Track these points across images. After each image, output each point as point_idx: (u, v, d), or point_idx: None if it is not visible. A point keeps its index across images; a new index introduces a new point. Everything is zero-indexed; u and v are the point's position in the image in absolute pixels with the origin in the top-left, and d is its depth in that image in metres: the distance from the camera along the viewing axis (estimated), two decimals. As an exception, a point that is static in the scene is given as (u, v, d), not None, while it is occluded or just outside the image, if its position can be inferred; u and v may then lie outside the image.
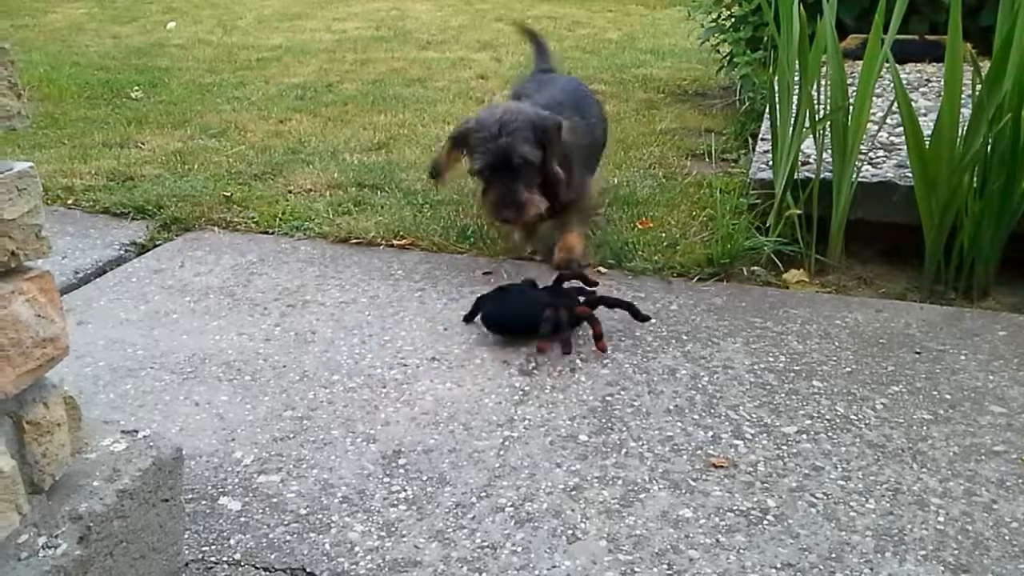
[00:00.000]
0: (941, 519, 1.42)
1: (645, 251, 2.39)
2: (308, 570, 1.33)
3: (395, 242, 2.50)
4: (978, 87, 2.02)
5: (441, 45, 5.61)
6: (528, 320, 1.95)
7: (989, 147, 2.04)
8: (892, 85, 2.11)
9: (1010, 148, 2.01)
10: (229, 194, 2.84)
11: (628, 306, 2.02)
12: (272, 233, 2.60)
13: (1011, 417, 1.68)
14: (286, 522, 1.43)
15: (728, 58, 3.72)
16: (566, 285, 2.11)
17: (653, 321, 2.07)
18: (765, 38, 3.36)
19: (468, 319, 2.06)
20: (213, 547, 1.37)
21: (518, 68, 4.77)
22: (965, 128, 2.05)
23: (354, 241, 2.52)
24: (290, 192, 2.92)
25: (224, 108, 4.04)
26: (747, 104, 3.44)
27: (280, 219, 2.65)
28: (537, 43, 3.06)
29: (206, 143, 3.47)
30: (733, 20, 3.70)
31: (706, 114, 3.79)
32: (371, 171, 3.08)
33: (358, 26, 6.33)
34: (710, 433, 1.65)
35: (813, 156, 2.27)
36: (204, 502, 1.47)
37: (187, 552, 1.35)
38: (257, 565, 1.34)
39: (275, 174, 3.09)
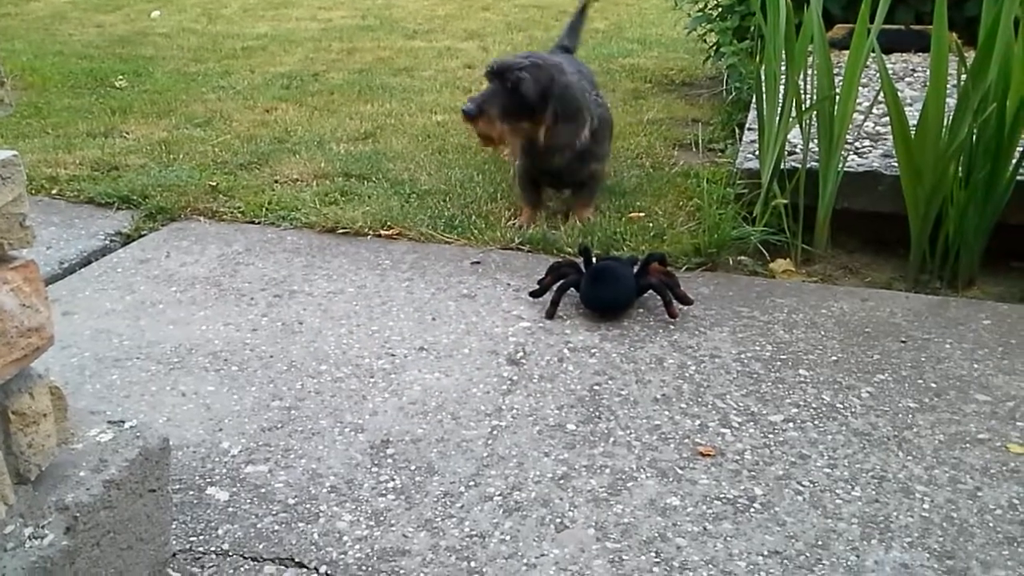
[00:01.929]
0: (926, 506, 1.43)
1: (633, 241, 2.39)
2: (297, 560, 1.33)
3: (382, 232, 2.49)
4: (963, 77, 2.03)
5: (428, 34, 5.59)
6: (629, 297, 2.05)
7: (974, 137, 2.05)
8: (878, 75, 2.11)
9: (995, 138, 2.02)
10: (215, 184, 2.83)
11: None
12: (258, 223, 2.59)
13: (995, 405, 1.70)
14: (274, 512, 1.42)
15: (715, 48, 3.72)
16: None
17: (641, 310, 2.08)
18: (752, 28, 3.36)
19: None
20: (201, 537, 1.37)
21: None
22: (950, 118, 2.05)
23: (341, 231, 2.51)
24: (276, 182, 2.90)
25: (209, 97, 4.01)
26: (734, 94, 3.44)
27: (266, 209, 2.64)
28: (578, 19, 3.21)
29: (191, 132, 3.45)
30: (720, 10, 3.70)
31: (693, 104, 3.79)
32: (358, 161, 3.06)
33: (344, 15, 6.30)
34: (697, 422, 1.66)
35: (799, 146, 2.28)
36: (192, 492, 1.47)
37: (175, 542, 1.35)
38: (245, 555, 1.34)
39: (261, 164, 3.07)
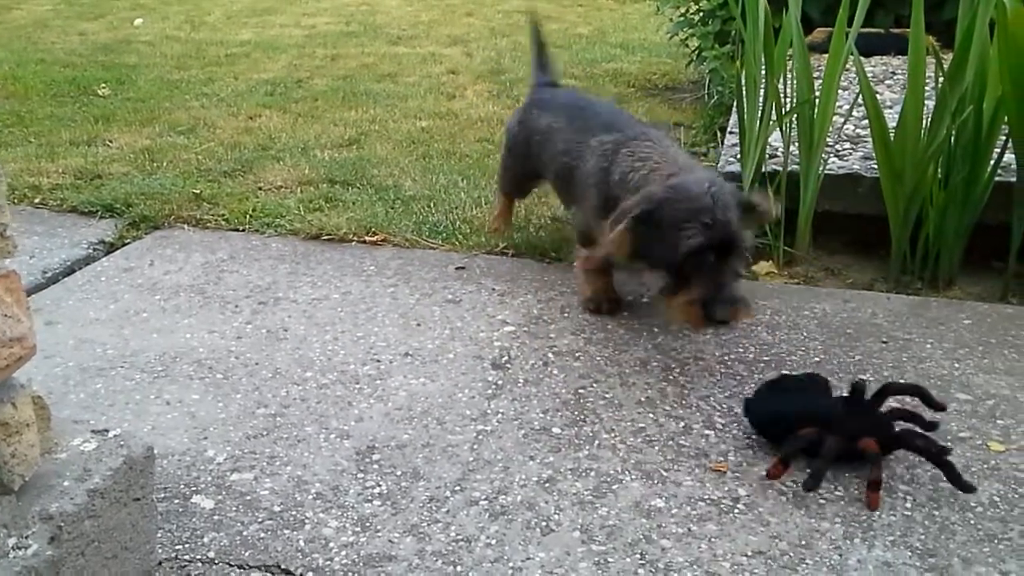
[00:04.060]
0: (908, 505, 1.44)
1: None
2: (283, 567, 1.33)
3: (367, 238, 2.50)
4: (941, 80, 2.06)
5: (411, 40, 5.59)
6: (786, 428, 1.55)
7: (952, 139, 2.07)
8: (858, 78, 2.13)
9: (972, 139, 2.05)
10: (198, 191, 2.82)
11: (936, 454, 1.47)
12: (242, 230, 2.59)
13: (976, 404, 1.71)
14: (260, 519, 1.42)
15: (697, 52, 3.75)
16: (890, 403, 1.59)
17: (625, 313, 2.09)
18: (732, 32, 3.38)
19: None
20: (187, 545, 1.37)
21: (489, 64, 4.77)
22: (929, 120, 2.08)
23: (326, 238, 2.51)
24: (260, 189, 2.90)
25: (193, 105, 4.00)
26: (716, 98, 3.47)
27: (250, 216, 2.64)
28: (540, 48, 2.60)
29: (175, 140, 3.44)
30: (701, 15, 3.72)
31: (676, 108, 3.81)
32: (342, 167, 3.07)
33: (328, 21, 6.30)
34: (681, 424, 1.67)
35: (780, 149, 2.30)
36: (177, 501, 1.47)
37: (160, 551, 1.35)
38: (231, 563, 1.34)
39: (245, 171, 3.07)
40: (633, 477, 1.52)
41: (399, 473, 1.53)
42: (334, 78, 4.51)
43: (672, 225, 1.71)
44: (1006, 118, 2.06)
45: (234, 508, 1.45)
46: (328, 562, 1.33)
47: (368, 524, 1.41)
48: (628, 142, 1.93)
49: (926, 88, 2.10)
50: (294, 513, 1.44)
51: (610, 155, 1.95)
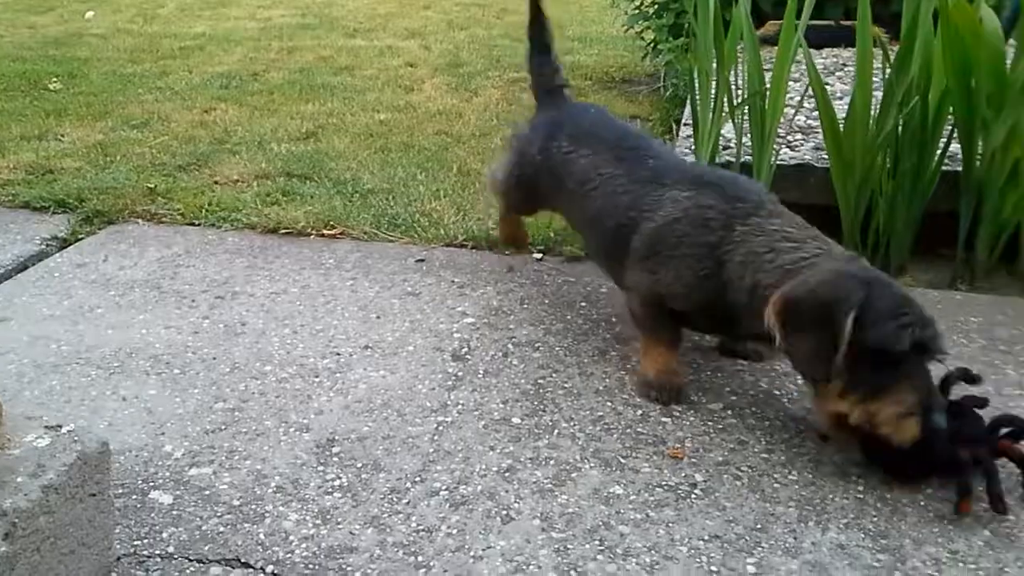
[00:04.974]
0: (861, 488, 1.48)
1: (576, 236, 2.41)
2: (243, 560, 1.33)
3: (325, 231, 2.49)
4: (888, 70, 2.10)
5: (369, 33, 5.55)
6: (936, 463, 1.45)
7: (900, 129, 2.12)
8: (807, 70, 2.17)
9: (919, 129, 2.09)
10: (153, 186, 2.79)
11: None
12: (198, 225, 2.56)
13: (924, 387, 1.75)
14: (219, 513, 1.42)
15: (652, 45, 3.78)
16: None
17: (584, 304, 2.10)
18: (686, 25, 3.41)
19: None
20: (145, 541, 1.36)
21: (447, 56, 4.76)
22: (877, 111, 2.12)
23: (283, 231, 2.50)
24: (216, 183, 2.87)
25: (146, 98, 3.94)
26: (671, 90, 3.50)
27: (206, 210, 2.61)
28: (540, 25, 2.13)
29: (128, 134, 3.39)
30: (656, 7, 3.75)
31: (632, 101, 3.84)
32: (299, 160, 3.05)
33: (283, 14, 6.23)
34: (639, 411, 1.69)
35: (733, 140, 2.33)
36: (135, 496, 1.46)
37: (119, 546, 1.34)
38: (191, 557, 1.33)
39: (200, 165, 3.03)
40: (592, 465, 1.54)
41: (359, 465, 1.54)
42: (290, 71, 4.47)
43: (887, 315, 1.39)
44: (951, 109, 2.11)
45: (193, 503, 1.44)
46: (288, 555, 1.34)
47: (329, 516, 1.41)
48: (746, 217, 1.60)
49: (874, 80, 2.15)
50: (254, 507, 1.44)
51: (718, 227, 1.60)
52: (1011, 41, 2.15)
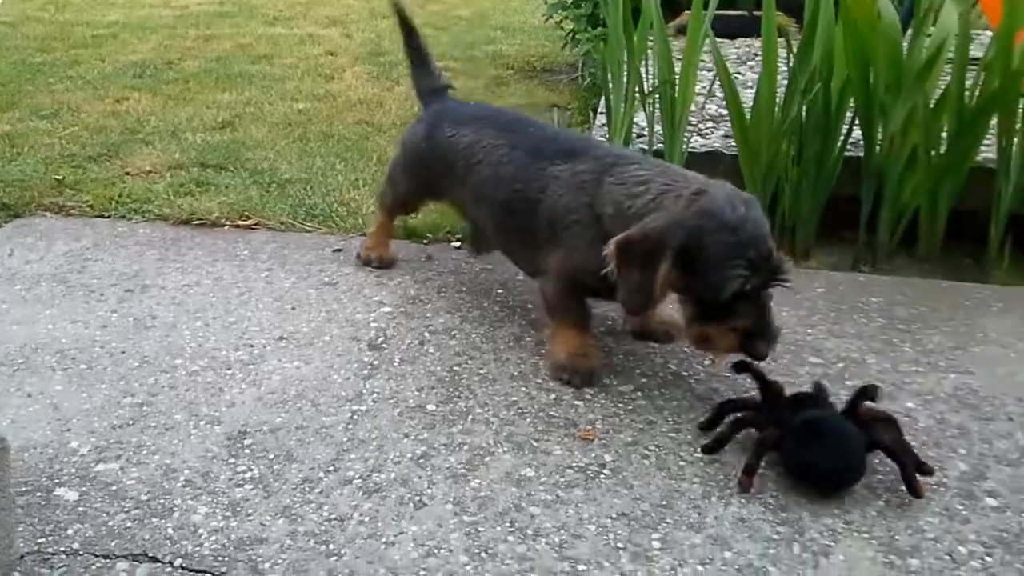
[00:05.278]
0: (762, 463, 1.52)
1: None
2: (150, 555, 1.31)
3: (240, 222, 2.46)
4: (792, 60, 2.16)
5: (289, 21, 5.48)
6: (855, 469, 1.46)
7: (804, 116, 2.19)
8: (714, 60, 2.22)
9: (822, 116, 2.16)
10: (61, 178, 2.72)
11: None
12: (108, 217, 2.51)
13: (826, 367, 1.82)
14: (126, 509, 1.40)
15: (571, 35, 3.81)
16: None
17: (501, 291, 2.12)
18: (603, 15, 3.45)
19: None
20: (50, 538, 1.34)
21: (368, 45, 4.73)
22: (782, 99, 2.18)
23: (197, 222, 2.46)
24: (128, 174, 2.81)
25: (57, 88, 3.83)
26: (589, 80, 3.54)
27: (117, 202, 2.56)
28: (412, 40, 2.22)
29: (36, 125, 3.29)
30: (575, -4, 3.78)
31: (553, 90, 3.87)
32: (215, 150, 3.00)
33: (200, 1, 6.10)
34: (552, 395, 1.71)
35: (647, 128, 2.37)
36: (39, 494, 1.43)
37: (22, 544, 1.31)
38: (96, 553, 1.31)
39: (111, 156, 2.96)
40: (505, 449, 1.56)
41: (272, 456, 1.53)
42: (207, 59, 4.38)
43: (714, 262, 1.50)
44: (852, 97, 2.18)
45: (99, 499, 1.42)
46: (197, 548, 1.33)
47: (239, 508, 1.41)
48: (610, 169, 1.67)
49: (782, 69, 2.21)
50: (162, 501, 1.42)
51: (590, 187, 1.68)
52: (908, 32, 2.24)
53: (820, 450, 1.45)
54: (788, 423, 1.49)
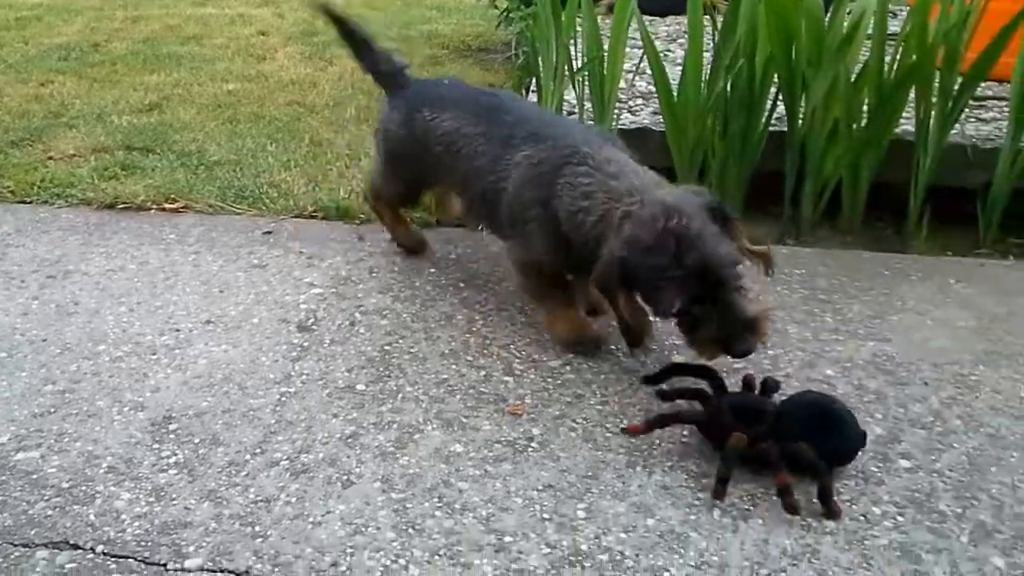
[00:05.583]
0: (686, 432, 1.55)
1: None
2: (71, 542, 1.30)
3: (167, 206, 2.41)
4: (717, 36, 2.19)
5: (219, 1, 5.35)
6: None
7: (729, 92, 2.21)
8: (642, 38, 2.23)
9: (747, 91, 2.19)
10: (-20, 163, 2.64)
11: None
12: (30, 202, 2.45)
13: (750, 337, 1.85)
14: (47, 497, 1.38)
15: (505, 14, 3.80)
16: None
17: (433, 271, 2.12)
18: (535, -7, 3.45)
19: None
20: (-35, 530, 1.31)
21: (301, 25, 4.65)
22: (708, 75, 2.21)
23: (121, 207, 2.41)
24: (50, 158, 2.74)
25: (-25, 72, 3.71)
26: (522, 59, 3.53)
27: (39, 187, 2.49)
28: (349, 32, 2.14)
29: (-46, 110, 3.19)
30: (508, -24, 3.76)
31: (487, 69, 3.85)
32: (141, 133, 2.94)
33: (129, -19, 5.93)
34: (482, 372, 1.72)
35: (577, 106, 2.38)
36: (-45, 486, 1.40)
37: (-65, 538, 1.29)
38: (15, 542, 1.30)
39: (34, 140, 2.89)
40: (434, 426, 1.57)
41: (197, 441, 1.52)
42: (135, 41, 4.28)
43: (650, 284, 1.53)
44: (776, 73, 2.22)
45: (19, 488, 1.40)
46: (120, 534, 1.31)
47: (163, 493, 1.39)
48: (564, 165, 1.66)
49: (708, 45, 2.23)
50: (84, 488, 1.40)
51: (547, 181, 1.68)
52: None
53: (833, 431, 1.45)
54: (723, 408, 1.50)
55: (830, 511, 1.36)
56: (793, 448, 1.41)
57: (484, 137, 1.83)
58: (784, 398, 1.56)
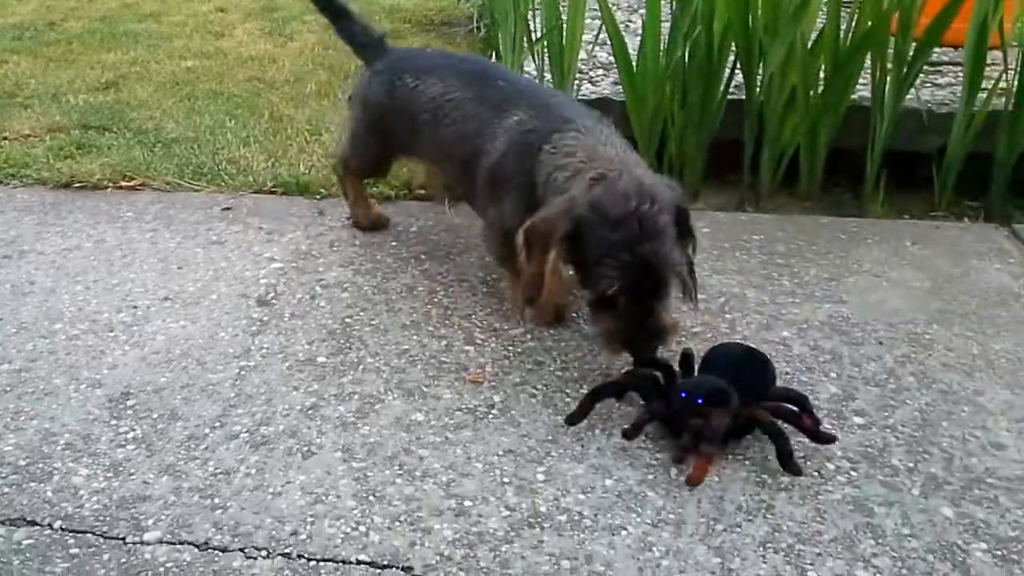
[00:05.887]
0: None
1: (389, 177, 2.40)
2: (28, 519, 1.29)
3: (123, 184, 2.38)
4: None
5: (178, -22, 5.28)
6: None
7: (687, 60, 2.22)
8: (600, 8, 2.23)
9: (705, 59, 2.20)
10: (-69, 145, 2.59)
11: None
12: (-17, 183, 2.41)
13: (709, 302, 1.87)
14: (3, 475, 1.37)
15: (467, -14, 3.78)
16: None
17: (394, 244, 2.11)
18: (498, -35, 3.43)
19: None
20: (-80, 510, 1.30)
21: (260, 0, 4.59)
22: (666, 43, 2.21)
23: (77, 185, 2.38)
24: (4, 139, 2.69)
25: (-74, 52, 3.63)
26: (485, 32, 3.52)
27: (-8, 168, 2.46)
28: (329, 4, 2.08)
29: (-97, 91, 3.12)
30: (470, -52, 3.74)
31: (450, 43, 3.83)
32: (98, 112, 2.89)
33: (84, -41, 5.82)
34: (444, 342, 1.73)
35: (537, 77, 2.38)
36: (-92, 467, 1.38)
37: None
38: (-29, 521, 1.29)
39: (-14, 121, 2.84)
40: (395, 396, 1.57)
41: (155, 416, 1.51)
42: (91, 19, 4.20)
43: (591, 256, 1.48)
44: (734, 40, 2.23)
45: (-26, 468, 1.39)
46: (78, 509, 1.31)
47: (121, 468, 1.39)
48: (552, 133, 1.62)
49: (667, 14, 2.23)
50: (41, 465, 1.39)
51: (533, 150, 1.63)
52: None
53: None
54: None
55: (793, 469, 1.38)
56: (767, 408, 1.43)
57: (476, 101, 1.78)
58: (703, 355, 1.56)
